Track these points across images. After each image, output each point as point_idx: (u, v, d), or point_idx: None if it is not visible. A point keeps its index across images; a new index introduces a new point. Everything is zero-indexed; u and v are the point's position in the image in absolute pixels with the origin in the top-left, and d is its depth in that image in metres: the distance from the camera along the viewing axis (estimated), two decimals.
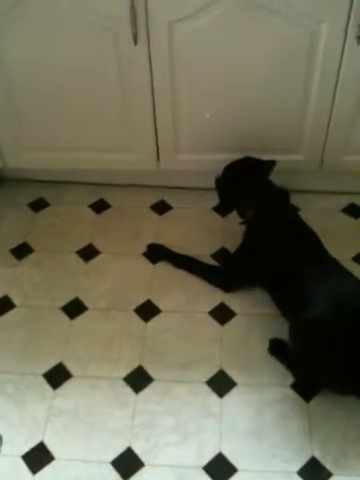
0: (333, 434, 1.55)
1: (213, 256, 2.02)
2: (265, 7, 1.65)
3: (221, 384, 1.66)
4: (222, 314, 1.84)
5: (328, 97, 1.84)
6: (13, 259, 2.06)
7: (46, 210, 2.25)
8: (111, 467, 1.52)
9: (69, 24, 1.74)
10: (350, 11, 1.63)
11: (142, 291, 1.93)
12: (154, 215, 2.19)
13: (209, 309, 1.86)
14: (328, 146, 1.98)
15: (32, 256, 2.07)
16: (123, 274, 1.99)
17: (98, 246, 2.10)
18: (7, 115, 2.01)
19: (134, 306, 1.89)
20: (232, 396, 1.64)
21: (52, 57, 1.83)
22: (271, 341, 1.75)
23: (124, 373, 1.71)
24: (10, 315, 1.88)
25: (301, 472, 1.49)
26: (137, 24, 1.70)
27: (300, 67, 1.79)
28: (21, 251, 2.08)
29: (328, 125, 1.92)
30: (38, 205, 2.26)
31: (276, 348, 1.73)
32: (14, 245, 2.10)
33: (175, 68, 1.81)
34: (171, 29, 1.71)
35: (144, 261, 2.03)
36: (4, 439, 1.58)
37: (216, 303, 1.87)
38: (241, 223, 1.88)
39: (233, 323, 1.82)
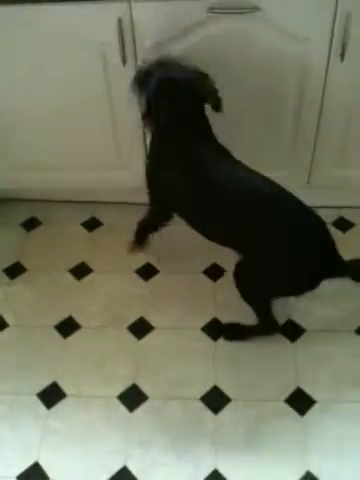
0: (328, 448, 1.55)
1: (204, 272, 2.03)
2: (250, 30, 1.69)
3: (215, 400, 1.66)
4: (215, 330, 1.84)
5: (315, 114, 1.87)
6: (6, 278, 2.06)
7: (38, 229, 2.26)
8: None
9: (57, 48, 1.77)
10: (333, 30, 1.67)
11: (135, 308, 1.93)
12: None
13: (202, 325, 1.86)
14: (315, 162, 2.00)
15: (25, 275, 2.07)
16: (116, 292, 2.00)
17: (91, 264, 2.10)
18: None
19: (127, 324, 1.89)
20: (227, 412, 1.64)
21: (39, 79, 1.85)
22: (223, 328, 1.82)
23: (118, 391, 1.70)
24: (3, 335, 1.88)
25: None
26: (125, 47, 1.73)
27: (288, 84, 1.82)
28: (14, 270, 2.09)
29: (315, 142, 1.95)
30: (30, 224, 2.27)
31: (230, 332, 1.81)
32: (6, 265, 2.11)
33: None
34: (158, 50, 1.74)
35: (136, 278, 2.04)
36: None
37: (208, 319, 1.88)
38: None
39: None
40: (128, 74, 1.80)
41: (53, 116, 1.95)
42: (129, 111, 1.89)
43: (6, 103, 1.93)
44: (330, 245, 1.56)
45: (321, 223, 1.55)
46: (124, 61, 1.77)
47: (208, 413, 1.64)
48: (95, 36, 1.73)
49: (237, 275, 1.65)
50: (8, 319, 1.92)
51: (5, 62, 1.82)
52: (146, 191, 1.83)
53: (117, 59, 1.77)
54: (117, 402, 1.68)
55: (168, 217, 1.87)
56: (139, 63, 1.73)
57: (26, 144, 2.04)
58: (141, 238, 2.02)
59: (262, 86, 1.83)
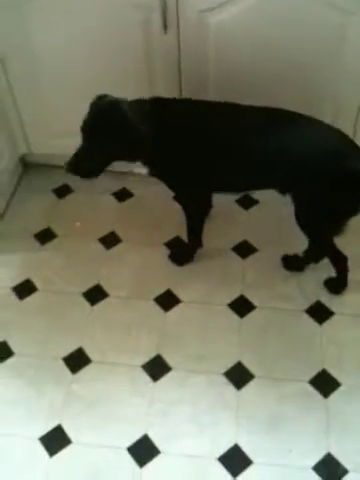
0: (350, 430, 1.54)
1: (234, 249, 2.01)
2: None
3: (239, 376, 1.66)
4: (241, 307, 1.83)
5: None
6: (36, 244, 2.08)
7: (70, 196, 2.26)
8: (127, 454, 1.53)
9: (99, 10, 1.74)
10: None
11: (162, 281, 1.93)
12: (176, 206, 2.18)
13: (228, 301, 1.85)
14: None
15: (55, 241, 2.09)
16: (144, 263, 2.00)
17: (120, 234, 2.10)
18: (33, 101, 2.03)
19: (154, 295, 1.89)
20: (249, 389, 1.64)
21: (79, 43, 1.83)
22: (284, 258, 1.92)
23: (142, 361, 1.72)
24: (32, 299, 1.90)
25: (316, 468, 1.48)
26: (167, 13, 1.69)
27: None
28: (44, 236, 2.10)
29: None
30: (62, 191, 2.27)
31: (290, 263, 1.90)
32: (37, 230, 2.12)
33: (204, 56, 1.80)
34: (201, 18, 1.70)
35: (165, 251, 2.03)
36: (22, 421, 1.60)
37: (235, 295, 1.87)
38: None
39: (252, 316, 1.81)
40: (168, 42, 1.78)
41: (89, 82, 1.92)
42: (166, 79, 1.87)
43: (44, 67, 1.92)
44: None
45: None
46: (165, 28, 1.74)
47: (231, 388, 1.64)
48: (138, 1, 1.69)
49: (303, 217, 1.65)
50: (37, 284, 1.94)
51: (45, 25, 1.80)
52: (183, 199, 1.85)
53: (158, 26, 1.74)
54: (141, 371, 1.69)
55: (210, 203, 1.86)
56: None
57: (62, 110, 2.03)
58: (198, 239, 1.94)
59: (299, 57, 1.78)
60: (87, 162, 1.59)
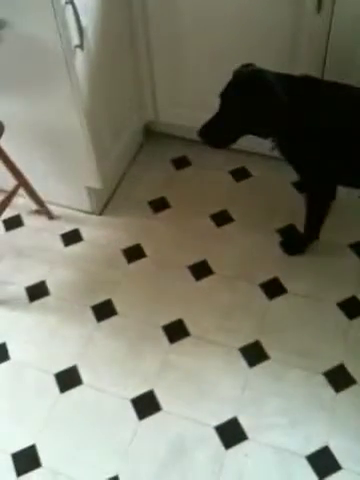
0: None
1: (352, 246, 1.92)
2: None
3: (339, 379, 1.60)
4: (352, 308, 1.75)
5: None
6: (150, 211, 2.10)
7: (187, 169, 2.26)
8: (214, 432, 1.53)
9: None
10: None
11: (270, 268, 1.89)
12: (295, 192, 2.12)
13: (339, 300, 1.78)
14: None
15: (167, 211, 2.10)
16: (254, 247, 1.96)
17: (233, 214, 2.07)
18: (169, 68, 2.03)
19: (260, 281, 1.86)
20: (349, 394, 1.57)
21: (225, 11, 1.79)
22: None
23: (241, 344, 1.70)
24: (139, 264, 1.94)
25: None
26: None
27: None
28: (158, 205, 2.12)
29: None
30: (180, 163, 2.28)
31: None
32: (152, 198, 2.15)
33: (355, 43, 1.71)
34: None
35: (276, 238, 1.98)
36: (117, 380, 1.65)
37: (347, 295, 1.78)
38: (274, 147, 1.66)
39: None
40: (319, 23, 1.70)
41: (228, 54, 1.89)
42: (309, 60, 1.79)
43: (186, 34, 1.91)
44: None
45: None
46: (319, 8, 1.66)
47: (329, 390, 1.58)
48: None
49: None
50: (146, 250, 1.97)
51: None
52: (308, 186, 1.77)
53: (312, 4, 1.66)
54: (238, 354, 1.67)
55: (334, 194, 1.77)
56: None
57: (196, 81, 2.02)
58: (316, 231, 1.87)
59: None
60: (220, 130, 1.58)
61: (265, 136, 1.63)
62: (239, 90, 1.52)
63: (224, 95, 1.55)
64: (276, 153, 1.71)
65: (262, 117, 1.52)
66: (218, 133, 1.59)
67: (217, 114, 1.57)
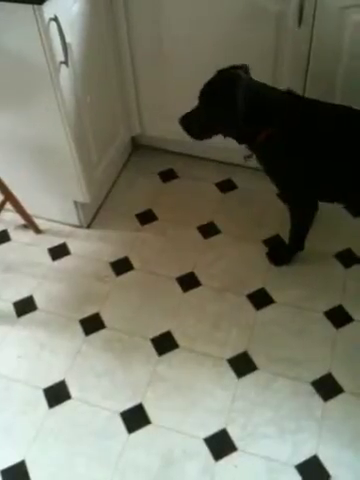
0: None
1: (337, 256, 1.94)
2: None
3: (327, 388, 1.61)
4: (339, 317, 1.77)
5: None
6: (137, 224, 2.12)
7: (174, 181, 2.28)
8: (204, 444, 1.53)
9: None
10: None
11: (257, 278, 1.90)
12: (280, 203, 2.13)
13: (325, 309, 1.79)
14: None
15: (155, 224, 2.11)
16: (240, 258, 1.98)
17: (219, 225, 2.09)
18: (153, 84, 2.06)
19: (247, 292, 1.87)
20: (337, 402, 1.58)
21: (207, 28, 1.83)
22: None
23: (229, 355, 1.70)
24: (128, 276, 1.94)
25: None
26: (305, 6, 1.64)
27: None
28: (145, 217, 2.13)
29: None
30: (167, 175, 2.30)
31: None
32: (140, 210, 2.16)
33: (336, 57, 1.74)
34: (340, 16, 1.64)
35: (263, 248, 2.00)
36: (107, 394, 1.64)
37: (334, 304, 1.80)
38: (248, 156, 1.71)
39: (349, 328, 1.74)
40: (300, 37, 1.73)
41: (211, 70, 1.90)
42: (292, 75, 1.82)
43: (169, 51, 1.93)
44: None
45: None
46: (300, 23, 1.69)
47: (317, 399, 1.59)
48: None
49: None
50: (134, 262, 1.98)
51: (178, 8, 1.81)
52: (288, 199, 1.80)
53: (293, 19, 1.69)
54: (227, 365, 1.68)
55: (317, 206, 1.77)
56: None
57: (180, 95, 2.02)
58: (301, 242, 1.89)
59: None
60: (195, 123, 1.67)
61: (241, 140, 1.66)
62: (209, 87, 1.60)
63: (201, 90, 1.63)
64: (251, 163, 1.73)
65: (218, 119, 1.60)
66: (193, 124, 1.68)
67: (197, 107, 1.66)
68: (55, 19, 1.51)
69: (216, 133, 1.68)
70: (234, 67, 1.60)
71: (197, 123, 1.67)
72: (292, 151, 1.58)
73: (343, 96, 1.80)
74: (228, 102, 1.53)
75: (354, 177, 1.56)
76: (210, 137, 1.69)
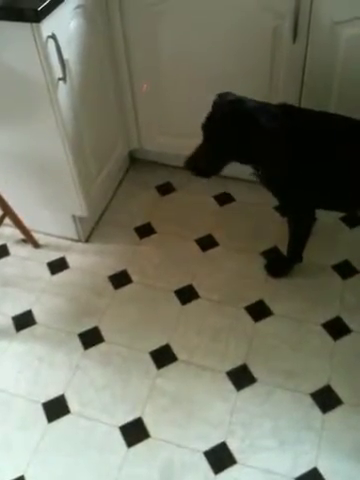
0: None
1: (335, 267, 1.95)
2: None
3: (326, 400, 1.61)
4: (337, 329, 1.77)
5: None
6: (136, 237, 2.13)
7: (172, 195, 2.29)
8: (203, 457, 1.53)
9: (227, 14, 1.75)
10: None
11: (255, 290, 1.91)
12: (277, 216, 2.16)
13: (324, 321, 1.80)
14: None
15: (153, 237, 2.13)
16: (239, 270, 1.98)
17: (217, 238, 2.11)
18: (151, 98, 2.08)
19: (246, 304, 1.88)
20: (336, 414, 1.58)
21: (203, 45, 1.85)
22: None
23: (228, 368, 1.70)
24: (127, 289, 1.95)
25: None
26: (299, 21, 1.67)
27: None
28: (144, 231, 2.15)
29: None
30: (165, 189, 2.31)
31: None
32: (138, 224, 2.17)
33: (330, 70, 1.76)
34: (334, 30, 1.66)
35: (261, 260, 2.01)
36: (106, 408, 1.64)
37: (331, 316, 1.81)
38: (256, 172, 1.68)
39: (348, 340, 1.75)
40: (295, 52, 1.76)
41: (208, 84, 1.94)
42: (287, 88, 1.84)
43: (166, 66, 1.96)
44: None
45: None
46: (294, 37, 1.72)
47: (316, 411, 1.59)
48: (271, 5, 1.69)
49: None
50: (133, 276, 1.99)
51: (172, 23, 1.84)
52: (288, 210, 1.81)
53: (288, 35, 1.72)
54: (226, 378, 1.68)
55: (314, 216, 1.79)
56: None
57: (178, 110, 2.07)
58: (299, 254, 1.90)
59: None
60: (205, 161, 1.59)
61: (251, 163, 1.65)
62: (220, 122, 1.53)
63: (206, 127, 1.56)
64: (248, 176, 1.74)
65: (246, 146, 1.53)
66: (204, 164, 1.60)
67: (201, 145, 1.59)
68: (53, 36, 1.54)
69: (231, 162, 1.61)
70: (223, 95, 1.58)
71: (208, 161, 1.59)
72: (294, 158, 1.58)
73: (338, 107, 1.82)
74: (246, 127, 1.48)
75: (352, 184, 1.58)
76: (222, 170, 1.63)
